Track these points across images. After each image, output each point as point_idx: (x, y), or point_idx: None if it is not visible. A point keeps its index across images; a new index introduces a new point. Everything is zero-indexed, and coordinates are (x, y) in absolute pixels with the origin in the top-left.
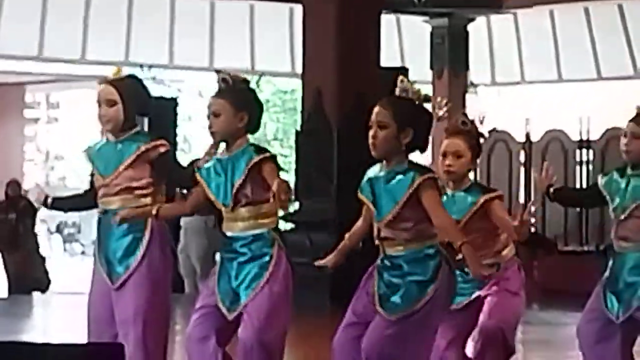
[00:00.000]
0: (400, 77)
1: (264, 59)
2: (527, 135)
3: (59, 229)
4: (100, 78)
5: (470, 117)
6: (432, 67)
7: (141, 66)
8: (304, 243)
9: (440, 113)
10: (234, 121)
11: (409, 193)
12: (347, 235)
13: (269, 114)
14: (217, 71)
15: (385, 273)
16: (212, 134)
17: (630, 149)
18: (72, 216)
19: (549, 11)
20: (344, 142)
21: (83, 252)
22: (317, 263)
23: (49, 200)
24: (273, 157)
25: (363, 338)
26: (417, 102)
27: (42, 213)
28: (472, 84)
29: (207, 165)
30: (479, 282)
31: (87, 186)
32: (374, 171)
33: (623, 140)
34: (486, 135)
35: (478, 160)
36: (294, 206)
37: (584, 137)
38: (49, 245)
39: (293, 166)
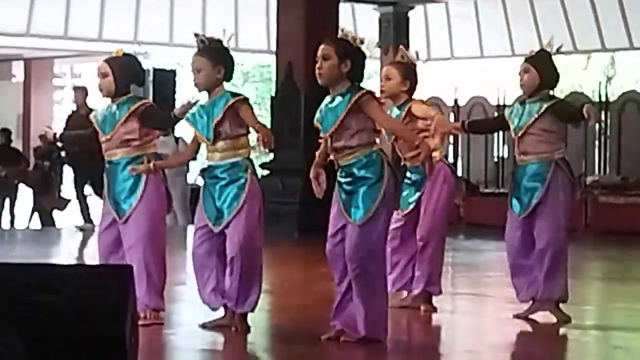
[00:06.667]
0: (342, 27)
1: (247, 38)
2: (456, 101)
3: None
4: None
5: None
6: (379, 46)
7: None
8: (278, 186)
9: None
10: (212, 73)
11: (349, 107)
12: (316, 154)
13: (250, 83)
14: (196, 34)
15: (344, 182)
16: (196, 85)
17: (523, 82)
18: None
19: (473, 1)
20: (309, 105)
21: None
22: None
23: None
24: (246, 99)
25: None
26: (353, 43)
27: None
28: None
29: (192, 111)
30: (419, 186)
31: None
32: (324, 102)
33: (519, 77)
34: (419, 63)
35: (412, 83)
36: (269, 156)
37: (501, 103)
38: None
39: (268, 125)
